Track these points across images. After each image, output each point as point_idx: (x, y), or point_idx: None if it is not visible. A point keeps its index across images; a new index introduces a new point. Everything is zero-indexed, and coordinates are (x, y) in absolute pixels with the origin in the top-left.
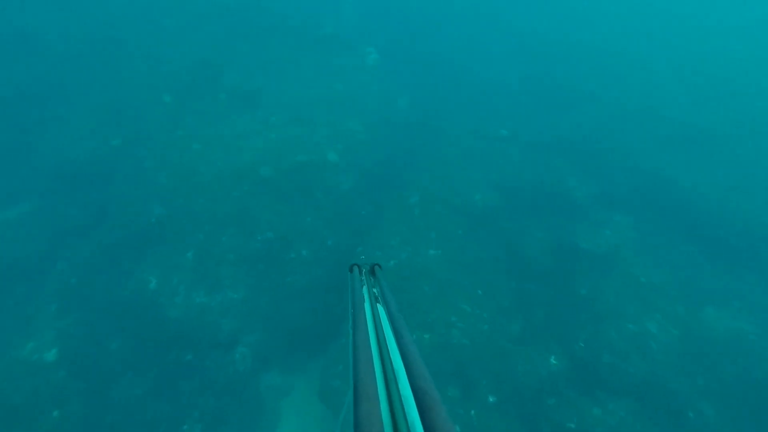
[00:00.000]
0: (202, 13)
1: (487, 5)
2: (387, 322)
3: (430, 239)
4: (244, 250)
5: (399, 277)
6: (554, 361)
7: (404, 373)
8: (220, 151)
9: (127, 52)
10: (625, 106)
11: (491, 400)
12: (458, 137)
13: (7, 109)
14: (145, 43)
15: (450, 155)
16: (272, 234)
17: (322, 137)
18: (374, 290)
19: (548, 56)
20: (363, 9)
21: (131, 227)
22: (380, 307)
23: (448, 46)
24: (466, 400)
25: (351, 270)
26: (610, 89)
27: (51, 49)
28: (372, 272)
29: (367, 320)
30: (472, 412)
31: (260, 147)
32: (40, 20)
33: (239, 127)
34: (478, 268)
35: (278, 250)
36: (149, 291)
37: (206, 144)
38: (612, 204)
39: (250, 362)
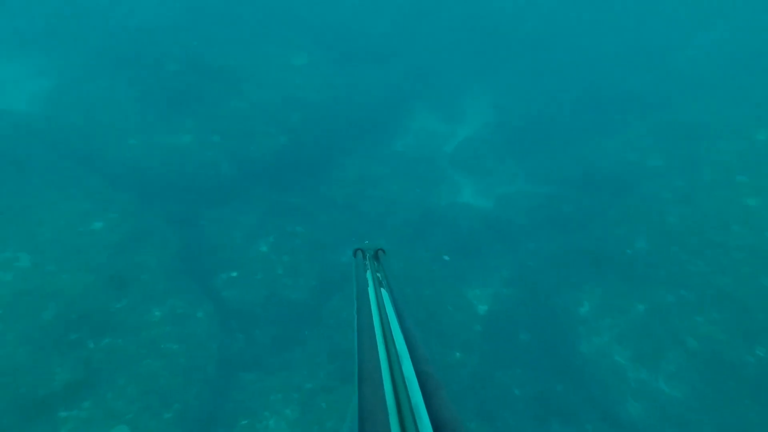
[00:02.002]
0: None
1: None
2: (390, 307)
3: None
4: None
5: None
6: None
7: (408, 356)
8: None
9: None
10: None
11: None
12: None
13: None
14: None
15: None
16: None
17: None
18: (378, 275)
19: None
20: None
21: None
22: (384, 292)
23: None
24: None
25: (355, 255)
26: None
27: None
28: (376, 257)
29: (371, 304)
30: None
31: None
32: None
33: None
34: None
35: None
36: None
37: None
38: None
39: None
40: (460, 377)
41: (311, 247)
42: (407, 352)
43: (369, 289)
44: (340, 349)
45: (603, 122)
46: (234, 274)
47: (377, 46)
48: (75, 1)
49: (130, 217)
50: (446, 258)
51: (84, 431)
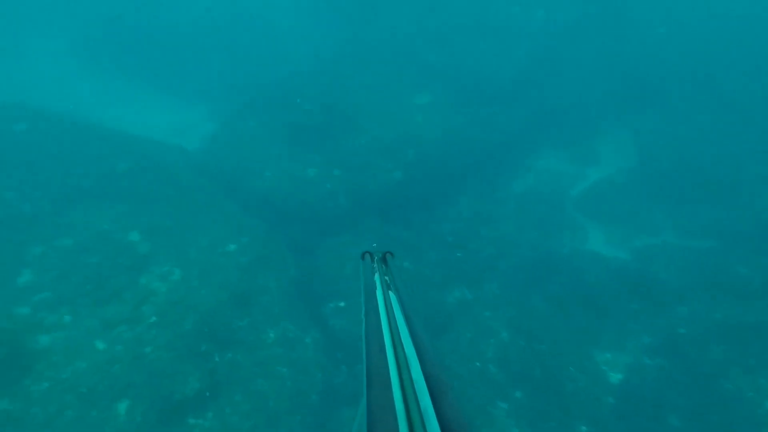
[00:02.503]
0: None
1: None
2: (399, 309)
3: None
4: None
5: None
6: None
7: (416, 359)
8: None
9: None
10: None
11: None
12: None
13: None
14: None
15: None
16: None
17: None
18: (386, 278)
19: None
20: None
21: None
22: (392, 295)
23: None
24: None
25: (363, 257)
26: None
27: None
28: (384, 260)
29: (379, 307)
30: None
31: None
32: None
33: None
34: None
35: None
36: None
37: None
38: None
39: None
40: None
41: (418, 283)
42: (416, 354)
43: (377, 292)
44: None
45: None
46: (342, 304)
47: (503, 87)
48: (235, 60)
49: (258, 242)
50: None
51: None
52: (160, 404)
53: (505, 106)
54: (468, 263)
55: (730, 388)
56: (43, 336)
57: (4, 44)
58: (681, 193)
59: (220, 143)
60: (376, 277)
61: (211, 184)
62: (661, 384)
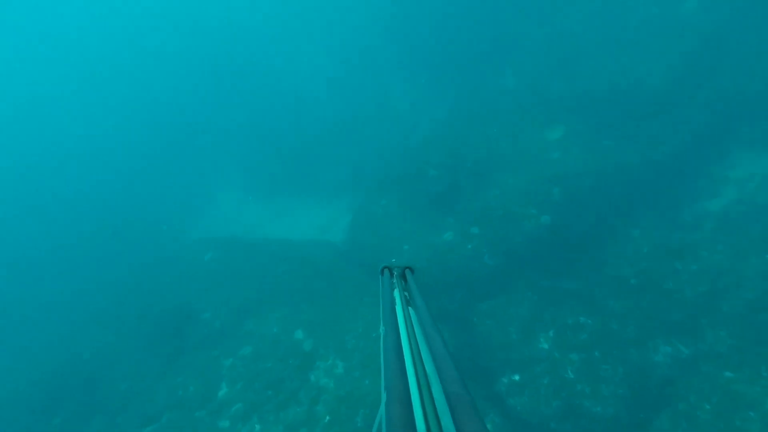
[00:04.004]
0: None
1: None
2: (418, 326)
3: None
4: None
5: None
6: None
7: (437, 377)
8: None
9: None
10: None
11: None
12: None
13: None
14: None
15: None
16: None
17: None
18: (405, 294)
19: None
20: None
21: None
22: (411, 311)
23: None
24: None
25: (382, 273)
26: None
27: None
28: (403, 276)
29: (399, 323)
30: None
31: None
32: None
33: None
34: None
35: None
36: None
37: None
38: None
39: None
40: None
41: (606, 342)
42: (436, 372)
43: (397, 308)
44: None
45: None
46: (516, 377)
47: (654, 96)
48: (361, 150)
49: None
50: None
51: None
52: None
53: (663, 118)
54: (670, 308)
55: None
56: None
57: (197, 192)
58: None
59: (357, 229)
60: (396, 292)
61: (357, 269)
62: None
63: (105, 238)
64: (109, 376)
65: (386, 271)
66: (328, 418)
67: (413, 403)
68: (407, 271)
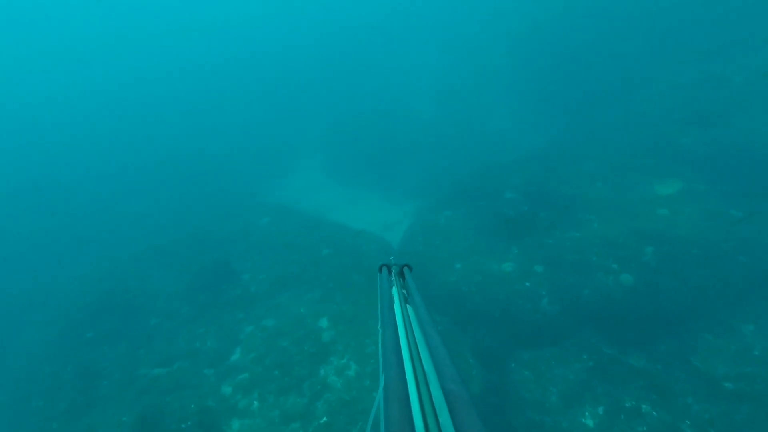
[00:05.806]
0: None
1: None
2: (416, 323)
3: None
4: None
5: None
6: None
7: (435, 374)
8: None
9: None
10: None
11: None
12: None
13: None
14: None
15: None
16: None
17: None
18: (403, 291)
19: None
20: None
21: None
22: (410, 308)
23: None
24: None
25: (380, 270)
26: None
27: None
28: (401, 273)
29: (397, 321)
30: None
31: None
32: None
33: None
34: None
35: None
36: None
37: None
38: None
39: None
40: None
41: None
42: (434, 369)
43: (395, 305)
44: None
45: None
46: None
47: None
48: (444, 157)
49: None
50: None
51: None
52: None
53: None
54: None
55: None
56: (235, 421)
57: (279, 162)
58: None
59: (413, 235)
60: (394, 290)
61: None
62: None
63: (183, 187)
64: (145, 309)
65: (384, 269)
66: (325, 419)
67: (411, 401)
68: (405, 269)
